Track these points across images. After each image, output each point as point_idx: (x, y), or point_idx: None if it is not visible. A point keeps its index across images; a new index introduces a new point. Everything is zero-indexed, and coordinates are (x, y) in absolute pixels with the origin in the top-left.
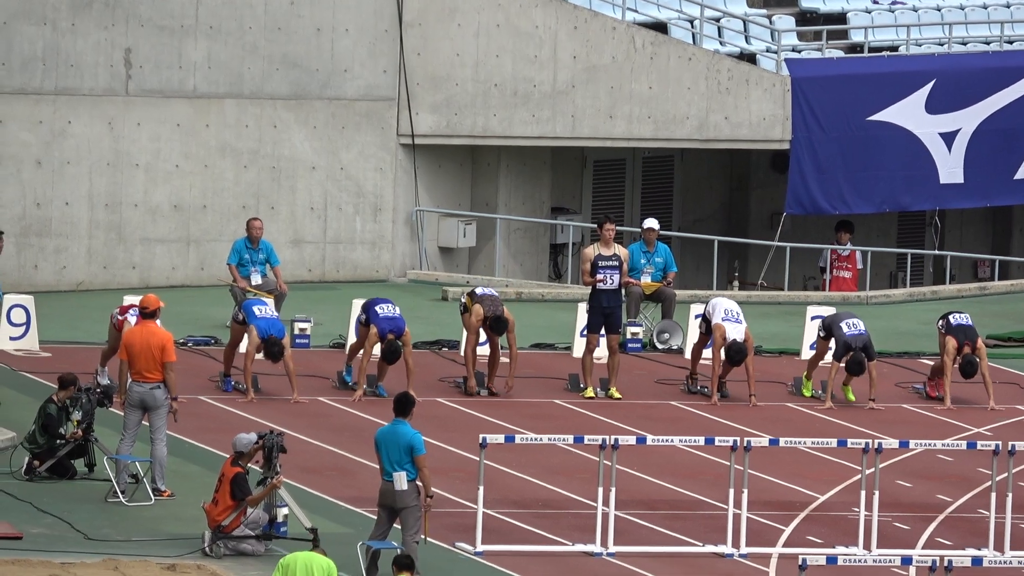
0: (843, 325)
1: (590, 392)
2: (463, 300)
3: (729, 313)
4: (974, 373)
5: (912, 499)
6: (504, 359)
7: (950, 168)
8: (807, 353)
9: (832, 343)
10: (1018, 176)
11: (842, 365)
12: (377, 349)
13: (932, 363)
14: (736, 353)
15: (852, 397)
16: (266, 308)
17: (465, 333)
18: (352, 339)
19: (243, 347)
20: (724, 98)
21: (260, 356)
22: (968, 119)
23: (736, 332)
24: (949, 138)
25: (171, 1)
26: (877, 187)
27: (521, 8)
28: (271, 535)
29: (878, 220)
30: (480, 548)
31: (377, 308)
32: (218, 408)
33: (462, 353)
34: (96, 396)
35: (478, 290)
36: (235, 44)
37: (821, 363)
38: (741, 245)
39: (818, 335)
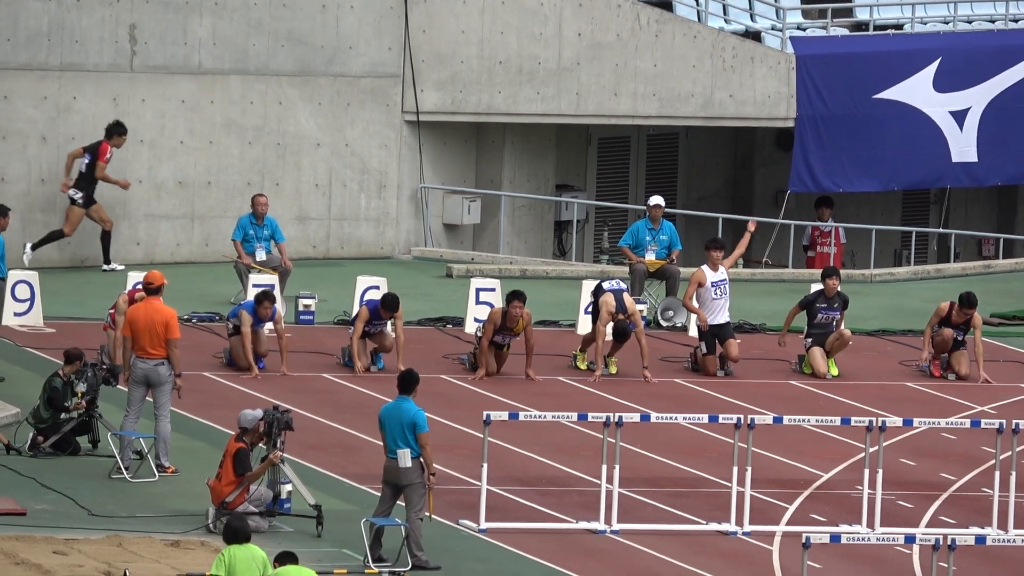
0: (819, 315)
1: (582, 363)
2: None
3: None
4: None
5: (916, 477)
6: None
7: (963, 147)
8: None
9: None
10: None
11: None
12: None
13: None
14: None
15: (835, 371)
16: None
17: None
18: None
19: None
20: (729, 76)
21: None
22: (978, 97)
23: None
24: (960, 116)
25: None
26: (884, 165)
27: None
28: (275, 512)
29: (882, 198)
30: (484, 525)
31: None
32: (222, 384)
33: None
34: (102, 373)
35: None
36: (240, 20)
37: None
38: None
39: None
